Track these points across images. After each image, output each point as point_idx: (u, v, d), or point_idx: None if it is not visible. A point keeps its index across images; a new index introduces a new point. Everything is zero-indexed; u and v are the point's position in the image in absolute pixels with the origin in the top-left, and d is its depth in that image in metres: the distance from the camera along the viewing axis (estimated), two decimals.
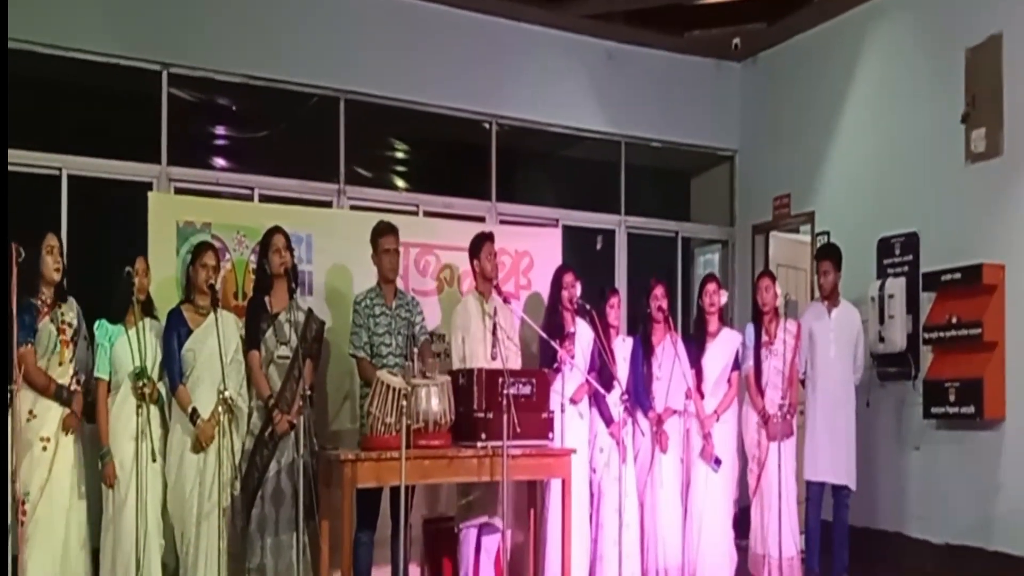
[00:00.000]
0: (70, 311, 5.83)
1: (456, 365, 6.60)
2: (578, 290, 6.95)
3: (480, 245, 6.76)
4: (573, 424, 6.79)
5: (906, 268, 8.04)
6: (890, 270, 8.16)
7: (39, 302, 5.68)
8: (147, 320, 5.92)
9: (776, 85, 9.75)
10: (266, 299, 6.23)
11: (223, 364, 5.72)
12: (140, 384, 5.72)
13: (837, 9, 8.86)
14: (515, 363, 6.65)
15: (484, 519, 6.61)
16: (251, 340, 6.15)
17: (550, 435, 6.33)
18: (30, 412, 5.58)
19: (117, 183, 7.64)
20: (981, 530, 7.32)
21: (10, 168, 5.62)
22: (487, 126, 9.08)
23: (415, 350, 6.16)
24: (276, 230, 6.27)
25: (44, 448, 5.62)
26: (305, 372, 6.08)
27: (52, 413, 5.66)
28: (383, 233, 6.49)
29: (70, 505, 5.69)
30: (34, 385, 5.60)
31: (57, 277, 5.74)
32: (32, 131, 6.81)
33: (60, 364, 5.71)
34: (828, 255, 7.59)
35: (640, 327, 7.37)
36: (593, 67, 9.46)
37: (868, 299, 8.02)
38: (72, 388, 5.73)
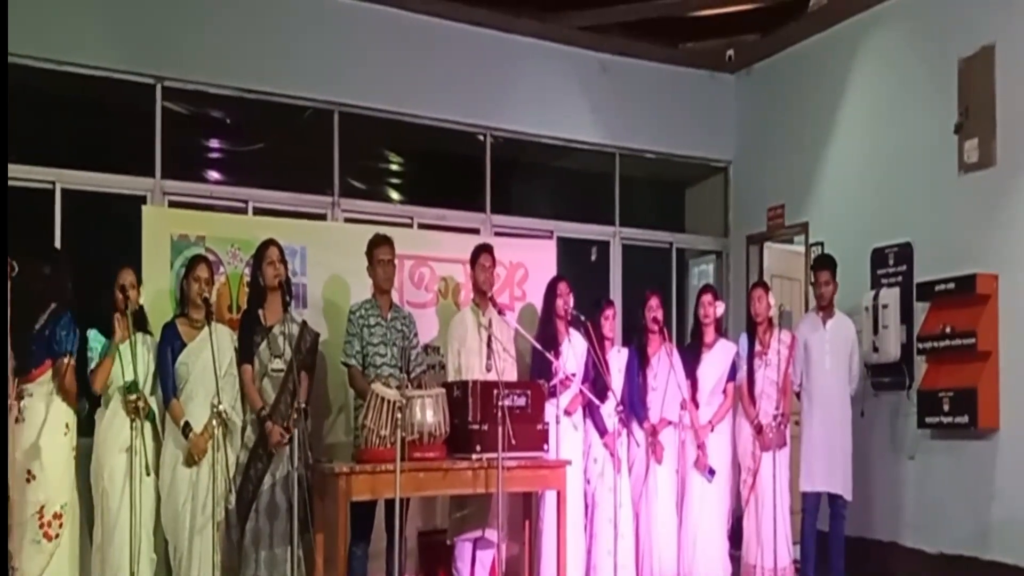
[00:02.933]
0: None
1: (451, 377, 6.60)
2: (571, 300, 6.96)
3: (476, 257, 6.81)
4: (568, 435, 6.78)
5: (900, 278, 8.04)
6: (884, 280, 8.16)
7: None
8: (139, 334, 5.92)
9: (770, 96, 9.76)
10: (260, 312, 6.23)
11: (217, 378, 5.70)
12: (132, 398, 5.72)
13: (831, 20, 8.88)
14: (511, 375, 6.66)
15: (478, 533, 6.61)
16: (244, 353, 6.15)
17: (545, 447, 6.33)
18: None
19: (111, 197, 7.62)
20: (976, 539, 7.31)
21: None
22: (481, 138, 9.08)
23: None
24: (270, 242, 6.29)
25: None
26: (301, 385, 6.07)
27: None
28: (378, 244, 6.51)
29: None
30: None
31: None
32: (25, 145, 6.79)
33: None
34: (827, 265, 7.61)
35: (635, 338, 7.38)
36: (587, 79, 9.47)
37: (862, 309, 8.01)
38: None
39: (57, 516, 5.61)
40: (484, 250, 6.84)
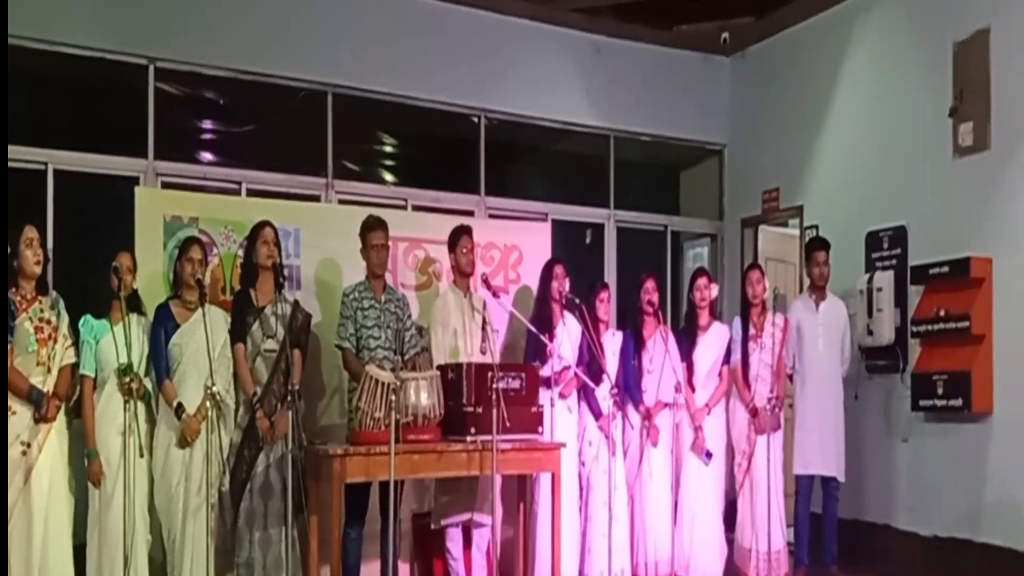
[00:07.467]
0: (49, 307, 5.70)
1: (436, 358, 6.58)
2: (567, 284, 6.94)
3: (456, 239, 6.74)
4: (562, 418, 6.77)
5: (894, 261, 8.05)
6: (878, 263, 8.17)
7: (18, 298, 5.61)
8: (133, 316, 5.89)
9: (765, 79, 9.75)
10: (252, 292, 6.22)
11: (210, 359, 5.70)
12: (126, 380, 5.69)
13: (825, 3, 8.87)
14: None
15: (466, 516, 6.61)
16: (237, 333, 6.13)
17: (540, 429, 6.32)
18: (10, 408, 5.51)
19: (104, 178, 7.61)
20: (969, 522, 7.35)
21: None
22: (476, 120, 9.06)
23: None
24: (265, 223, 6.26)
25: (24, 452, 5.50)
26: (295, 361, 6.07)
27: (30, 414, 5.55)
28: (372, 228, 6.46)
29: (48, 505, 5.56)
30: (9, 385, 5.49)
31: (38, 271, 5.64)
32: (18, 125, 6.74)
33: (38, 364, 5.60)
34: (825, 245, 7.61)
35: (630, 321, 7.37)
36: (582, 61, 9.46)
37: (856, 292, 8.03)
38: (46, 390, 5.59)
39: None
40: (464, 232, 6.76)
